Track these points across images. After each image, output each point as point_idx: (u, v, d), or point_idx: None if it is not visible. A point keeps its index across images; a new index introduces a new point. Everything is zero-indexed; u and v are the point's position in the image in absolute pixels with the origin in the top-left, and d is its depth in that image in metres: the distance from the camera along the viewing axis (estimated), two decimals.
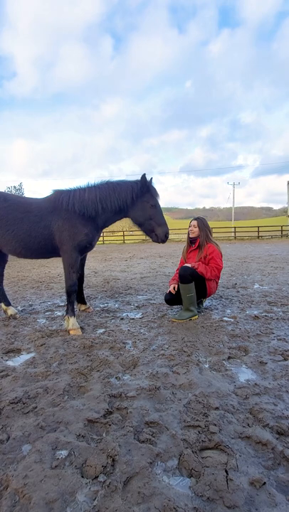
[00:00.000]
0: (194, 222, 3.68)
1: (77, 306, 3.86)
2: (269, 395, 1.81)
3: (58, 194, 3.30)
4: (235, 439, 1.45)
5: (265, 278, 5.93)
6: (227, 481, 1.21)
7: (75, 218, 3.17)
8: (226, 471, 1.26)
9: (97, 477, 1.25)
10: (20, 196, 3.63)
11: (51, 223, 3.19)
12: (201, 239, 3.60)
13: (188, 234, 3.74)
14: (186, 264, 3.48)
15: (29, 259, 3.65)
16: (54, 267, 9.01)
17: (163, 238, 3.27)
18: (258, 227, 26.29)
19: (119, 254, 13.31)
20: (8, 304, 3.73)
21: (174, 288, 3.55)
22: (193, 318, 3.34)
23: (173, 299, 3.64)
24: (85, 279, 5.65)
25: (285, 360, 2.28)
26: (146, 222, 3.29)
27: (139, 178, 3.27)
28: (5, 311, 3.69)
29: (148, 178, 3.30)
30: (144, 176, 3.22)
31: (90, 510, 1.11)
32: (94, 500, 1.15)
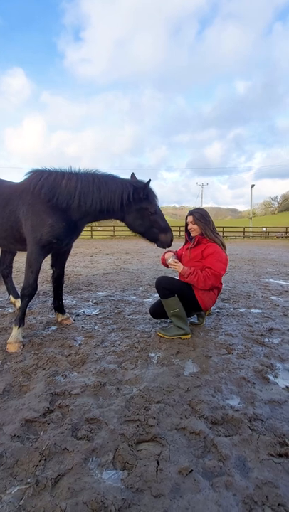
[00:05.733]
0: (190, 218, 2.90)
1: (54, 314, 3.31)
2: (209, 387, 1.91)
3: (34, 174, 2.70)
4: (171, 430, 1.51)
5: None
6: (157, 471, 1.25)
7: (40, 205, 2.56)
8: (158, 462, 1.31)
9: (27, 477, 1.23)
10: (5, 180, 3.10)
11: (17, 208, 2.68)
12: (199, 235, 2.88)
13: (188, 232, 3.00)
14: (165, 275, 2.96)
15: (6, 249, 3.38)
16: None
17: (169, 244, 2.79)
18: (223, 227, 27.42)
19: (85, 249, 13.05)
20: (17, 296, 3.58)
21: (173, 260, 2.80)
22: (183, 338, 2.69)
23: (159, 312, 2.93)
24: (44, 274, 5.43)
25: (228, 353, 2.41)
26: (147, 231, 2.77)
27: (137, 176, 2.78)
28: (14, 304, 3.61)
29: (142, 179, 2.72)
30: (147, 184, 2.65)
31: (16, 510, 1.08)
32: (21, 499, 1.13)
